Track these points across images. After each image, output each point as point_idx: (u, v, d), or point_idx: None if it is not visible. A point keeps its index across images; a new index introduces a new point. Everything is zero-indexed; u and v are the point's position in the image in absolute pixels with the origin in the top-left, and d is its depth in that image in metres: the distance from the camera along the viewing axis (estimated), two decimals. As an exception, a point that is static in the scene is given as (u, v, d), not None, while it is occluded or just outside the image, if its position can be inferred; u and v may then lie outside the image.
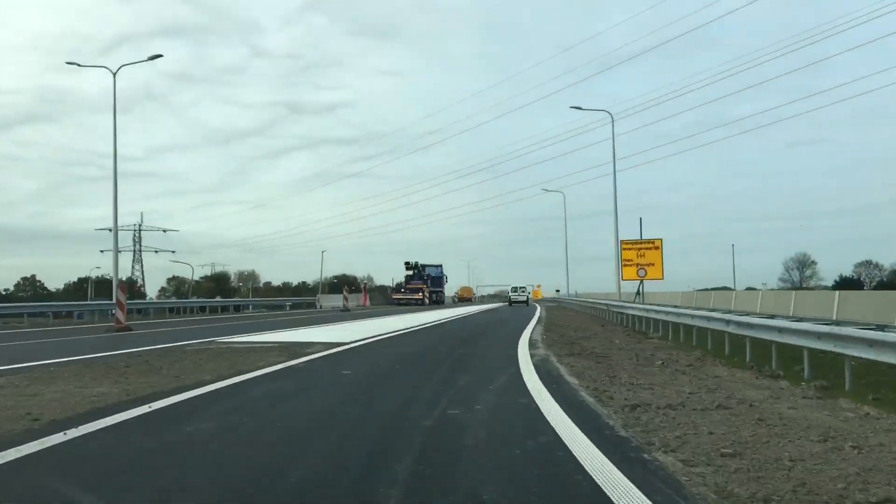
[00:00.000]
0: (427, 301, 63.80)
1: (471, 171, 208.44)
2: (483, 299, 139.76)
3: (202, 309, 41.67)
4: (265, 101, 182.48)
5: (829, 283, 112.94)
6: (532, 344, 14.95)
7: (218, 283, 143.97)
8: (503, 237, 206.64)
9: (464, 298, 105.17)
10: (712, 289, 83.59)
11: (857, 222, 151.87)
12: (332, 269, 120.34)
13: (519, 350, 13.33)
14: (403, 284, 67.86)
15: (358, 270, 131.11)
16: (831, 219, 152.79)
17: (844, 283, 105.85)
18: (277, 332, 19.53)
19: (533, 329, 21.24)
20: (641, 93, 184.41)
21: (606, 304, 25.34)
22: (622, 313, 22.71)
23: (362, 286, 60.49)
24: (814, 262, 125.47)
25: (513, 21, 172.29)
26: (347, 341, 15.20)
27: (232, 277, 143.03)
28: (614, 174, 35.59)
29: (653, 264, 22.83)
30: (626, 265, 23.21)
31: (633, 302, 22.99)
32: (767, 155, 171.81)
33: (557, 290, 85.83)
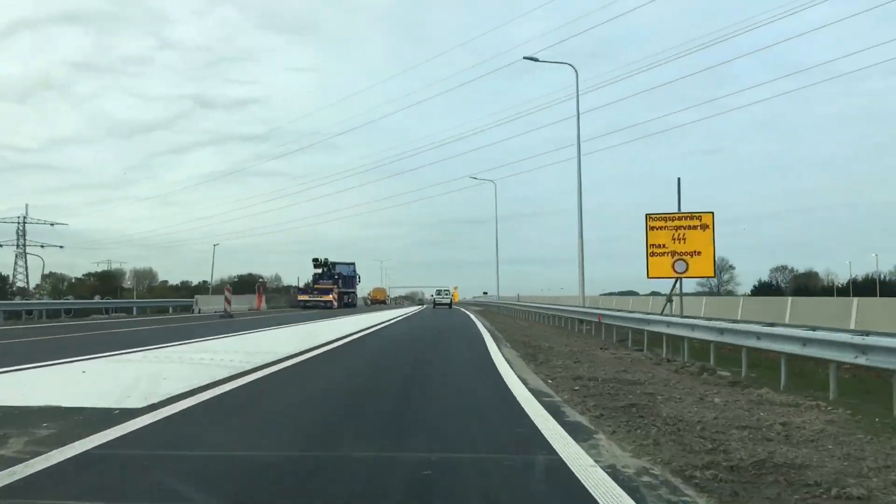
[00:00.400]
0: (336, 304, 54.80)
1: (384, 171, 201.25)
2: (396, 301, 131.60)
3: (80, 312, 32.77)
4: (172, 95, 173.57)
5: (747, 287, 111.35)
6: (553, 408, 6.81)
7: (104, 282, 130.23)
8: (417, 238, 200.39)
9: (377, 301, 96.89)
10: (618, 293, 78.67)
11: (769, 228, 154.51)
12: (240, 269, 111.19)
13: (554, 442, 5.17)
14: (311, 285, 58.62)
15: (267, 270, 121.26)
16: (737, 225, 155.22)
17: (762, 288, 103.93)
18: (46, 364, 10.60)
19: (502, 353, 13.20)
20: (544, 93, 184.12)
21: (599, 313, 17.45)
22: (639, 329, 14.96)
23: (256, 286, 50.81)
24: (731, 267, 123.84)
25: (428, 22, 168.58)
26: (142, 407, 6.61)
27: (127, 275, 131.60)
28: (578, 144, 28.14)
29: (699, 253, 14.50)
30: (655, 254, 14.68)
31: (663, 313, 15.16)
32: (671, 162, 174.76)
33: (485, 293, 78.98)
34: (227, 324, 24.32)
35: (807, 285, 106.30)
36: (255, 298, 44.27)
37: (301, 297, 55.56)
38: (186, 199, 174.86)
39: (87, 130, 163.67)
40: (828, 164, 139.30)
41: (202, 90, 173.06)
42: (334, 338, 17.10)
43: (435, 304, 66.71)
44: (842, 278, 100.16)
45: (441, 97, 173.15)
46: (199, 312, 35.32)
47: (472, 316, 36.86)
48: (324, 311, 48.00)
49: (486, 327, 23.55)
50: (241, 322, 25.86)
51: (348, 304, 61.59)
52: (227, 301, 30.65)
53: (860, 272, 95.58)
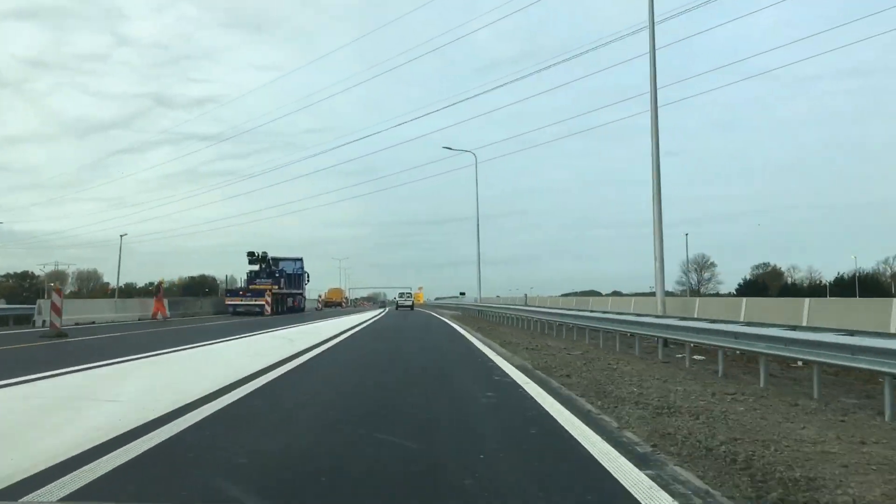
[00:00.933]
0: (271, 309, 42.80)
1: (345, 169, 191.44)
2: (356, 304, 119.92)
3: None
4: (129, 93, 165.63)
5: (731, 286, 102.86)
6: None
7: (23, 282, 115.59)
8: (381, 238, 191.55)
9: (332, 303, 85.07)
10: (580, 293, 71.04)
11: (741, 228, 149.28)
12: (196, 270, 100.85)
13: None
14: (245, 285, 46.60)
15: (223, 272, 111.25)
16: (711, 224, 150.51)
17: (748, 287, 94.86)
18: None
19: None
20: (513, 93, 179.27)
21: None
22: None
23: (156, 285, 38.53)
24: (713, 264, 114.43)
25: (390, 18, 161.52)
26: None
27: (70, 277, 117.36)
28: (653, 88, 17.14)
29: None
30: None
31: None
32: (630, 162, 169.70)
33: (462, 294, 68.80)
34: (12, 358, 12.48)
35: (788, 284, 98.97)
36: (153, 303, 32.04)
37: (229, 301, 43.48)
38: (142, 199, 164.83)
39: (41, 129, 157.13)
40: (794, 166, 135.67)
41: (160, 88, 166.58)
42: (166, 410, 5.63)
43: (398, 305, 69.15)
44: (826, 276, 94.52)
45: (403, 95, 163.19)
46: (43, 325, 23.19)
47: (458, 328, 25.31)
48: (258, 318, 36.28)
49: (518, 367, 12.08)
50: (52, 350, 13.96)
51: (293, 309, 49.63)
52: (55, 309, 18.59)
53: (844, 270, 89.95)
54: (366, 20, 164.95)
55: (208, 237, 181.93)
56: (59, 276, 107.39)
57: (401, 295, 73.41)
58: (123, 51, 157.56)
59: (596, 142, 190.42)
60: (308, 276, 55.47)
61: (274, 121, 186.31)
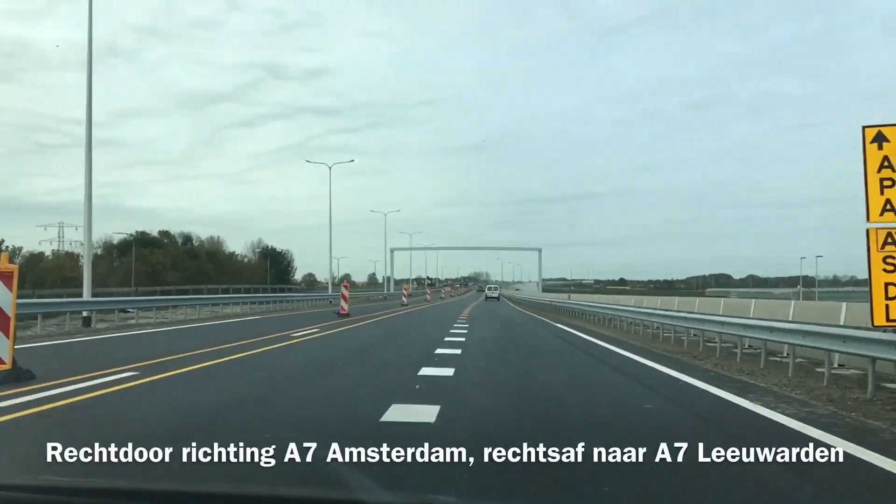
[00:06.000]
0: None
1: (460, 146, 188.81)
2: (439, 290, 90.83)
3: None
4: (242, 63, 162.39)
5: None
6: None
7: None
8: (490, 219, 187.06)
9: None
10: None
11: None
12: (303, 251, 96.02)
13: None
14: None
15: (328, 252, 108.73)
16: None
17: None
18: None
19: None
20: (641, 67, 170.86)
21: None
22: None
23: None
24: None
25: None
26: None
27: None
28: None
29: None
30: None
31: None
32: (759, 137, 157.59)
33: (565, 281, 62.96)
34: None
35: None
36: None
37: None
38: (255, 175, 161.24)
39: (154, 101, 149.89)
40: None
41: (273, 58, 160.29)
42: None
43: (486, 297, 75.34)
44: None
45: (526, 66, 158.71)
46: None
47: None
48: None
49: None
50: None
51: None
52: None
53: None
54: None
55: (319, 216, 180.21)
56: None
57: (489, 287, 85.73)
58: (236, 17, 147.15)
59: (728, 114, 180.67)
60: None
61: (384, 92, 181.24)
